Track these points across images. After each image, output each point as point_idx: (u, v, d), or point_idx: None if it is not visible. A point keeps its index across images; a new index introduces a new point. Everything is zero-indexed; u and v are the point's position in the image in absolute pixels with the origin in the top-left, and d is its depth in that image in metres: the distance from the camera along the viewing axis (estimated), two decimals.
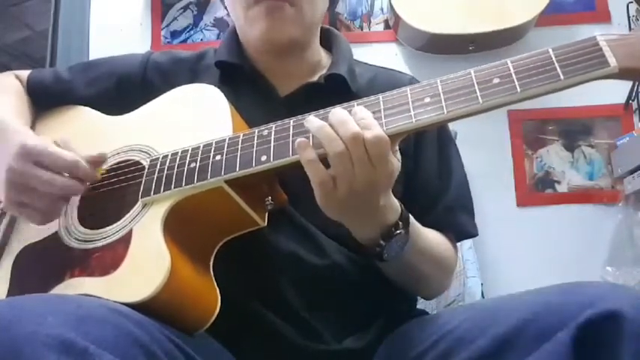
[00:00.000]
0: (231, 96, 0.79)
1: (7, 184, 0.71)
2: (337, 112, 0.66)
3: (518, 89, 0.63)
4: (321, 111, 0.70)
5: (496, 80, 0.64)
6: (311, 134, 0.67)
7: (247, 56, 0.93)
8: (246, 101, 0.84)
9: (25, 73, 0.97)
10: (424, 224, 0.81)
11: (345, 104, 0.69)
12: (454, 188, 0.89)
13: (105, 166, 0.80)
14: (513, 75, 0.63)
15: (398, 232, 0.72)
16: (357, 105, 0.68)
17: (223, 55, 0.93)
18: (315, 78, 0.91)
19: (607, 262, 1.70)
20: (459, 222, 0.89)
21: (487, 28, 1.76)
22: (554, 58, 0.63)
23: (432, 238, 0.83)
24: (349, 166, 0.64)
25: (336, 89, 0.88)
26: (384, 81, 0.94)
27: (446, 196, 0.88)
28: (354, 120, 0.65)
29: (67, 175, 0.73)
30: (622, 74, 0.62)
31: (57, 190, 0.71)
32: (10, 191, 0.72)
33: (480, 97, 0.64)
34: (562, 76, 0.62)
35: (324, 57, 0.96)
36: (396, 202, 0.73)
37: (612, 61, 0.61)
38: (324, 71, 0.91)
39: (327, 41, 0.97)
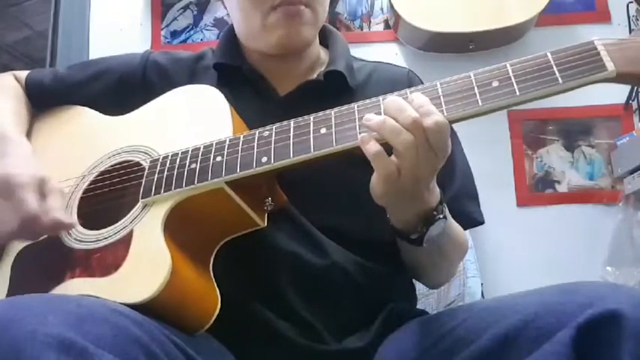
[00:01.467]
0: (230, 97, 0.79)
1: None
2: (394, 101, 0.66)
3: (517, 92, 0.63)
4: (320, 113, 0.70)
5: (495, 83, 0.65)
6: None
7: (245, 57, 0.93)
8: (245, 102, 0.84)
9: (23, 74, 0.97)
10: None
11: (397, 93, 0.69)
12: (459, 178, 0.90)
13: (105, 167, 0.80)
14: (512, 78, 0.64)
15: (440, 216, 0.73)
16: (411, 93, 0.68)
17: (221, 57, 0.93)
18: (314, 75, 0.91)
19: (607, 262, 1.70)
20: (466, 210, 0.89)
21: (487, 27, 1.76)
22: (552, 62, 0.64)
23: (454, 223, 0.83)
24: (414, 153, 0.64)
25: (335, 86, 0.88)
26: (381, 75, 0.95)
27: (451, 186, 0.88)
28: (412, 107, 0.65)
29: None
30: (620, 79, 0.63)
31: (5, 231, 0.70)
32: None
33: (479, 100, 0.64)
34: (560, 80, 0.63)
35: (322, 54, 0.96)
36: (437, 186, 0.73)
37: (610, 66, 0.62)
38: (322, 68, 0.91)
39: (324, 38, 0.97)
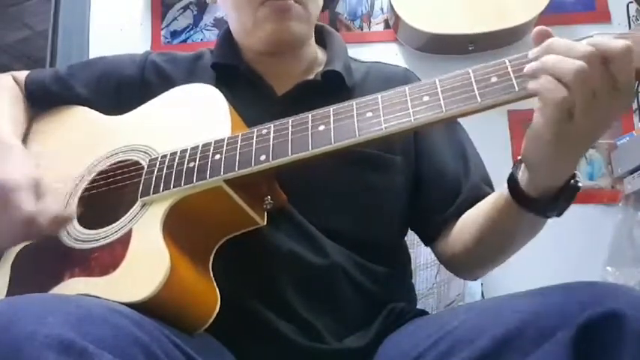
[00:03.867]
0: (229, 96, 0.79)
1: None
2: (559, 41, 0.58)
3: (516, 88, 0.63)
4: (318, 110, 0.70)
5: (494, 79, 0.64)
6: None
7: (243, 57, 0.93)
8: (243, 101, 0.84)
9: (22, 74, 0.97)
10: (457, 207, 0.83)
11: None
12: (474, 166, 0.90)
13: (104, 166, 0.80)
14: (511, 74, 0.64)
15: (577, 182, 0.67)
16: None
17: (219, 57, 0.93)
18: (312, 75, 0.91)
19: (607, 262, 1.70)
20: (489, 194, 0.86)
21: (487, 29, 1.75)
22: None
23: None
24: (590, 87, 0.56)
25: (333, 86, 0.88)
26: (378, 74, 0.95)
27: (469, 176, 0.88)
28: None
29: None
30: None
31: (5, 235, 0.71)
32: None
33: (478, 96, 0.64)
34: None
35: (319, 54, 0.96)
36: None
37: None
38: (320, 68, 0.92)
39: (321, 38, 0.98)
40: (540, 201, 0.68)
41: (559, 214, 0.69)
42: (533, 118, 0.63)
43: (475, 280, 1.00)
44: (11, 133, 0.85)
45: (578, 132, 0.60)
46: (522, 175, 0.69)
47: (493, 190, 0.89)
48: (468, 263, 0.88)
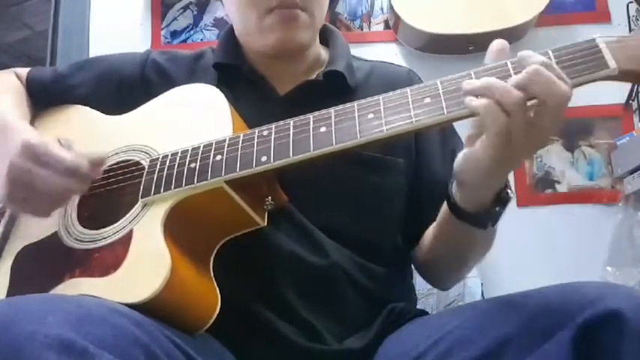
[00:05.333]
0: (230, 96, 0.79)
1: (8, 180, 0.70)
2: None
3: None
4: (320, 111, 0.70)
5: None
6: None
7: (245, 57, 0.93)
8: (245, 101, 0.84)
9: (24, 71, 0.97)
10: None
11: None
12: None
13: (105, 167, 0.80)
14: (513, 76, 0.63)
15: (510, 193, 0.72)
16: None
17: (221, 57, 0.93)
18: (314, 75, 0.91)
19: (607, 262, 1.70)
20: None
21: (487, 28, 1.75)
22: (553, 60, 0.64)
23: None
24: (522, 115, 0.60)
25: (335, 85, 0.88)
26: (381, 74, 0.95)
27: None
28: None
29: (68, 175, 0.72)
30: (622, 76, 0.63)
31: (58, 190, 0.71)
32: (11, 187, 0.71)
33: None
34: None
35: (322, 53, 0.96)
36: None
37: (612, 64, 0.62)
38: (322, 68, 0.91)
39: (324, 37, 0.97)
40: (475, 214, 0.72)
41: (493, 224, 0.73)
42: (466, 142, 0.67)
43: (445, 290, 1.01)
44: (19, 119, 0.84)
45: (514, 154, 0.63)
46: (456, 192, 0.72)
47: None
48: (427, 271, 0.92)
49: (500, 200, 0.71)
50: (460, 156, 0.69)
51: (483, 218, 0.72)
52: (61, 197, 0.72)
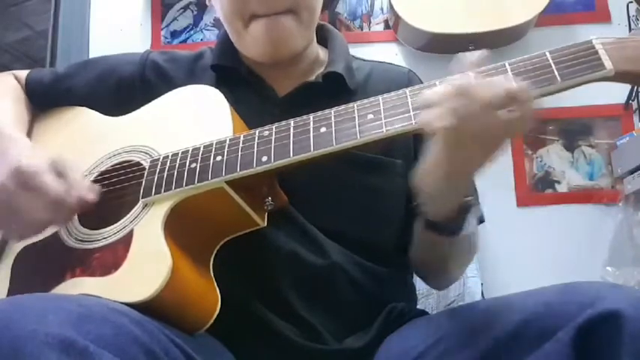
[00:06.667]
0: (230, 97, 0.79)
1: None
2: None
3: None
4: (320, 112, 0.70)
5: None
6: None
7: (242, 59, 0.92)
8: (244, 102, 0.84)
9: (23, 73, 0.97)
10: None
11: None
12: None
13: (105, 167, 0.80)
14: (511, 77, 0.64)
15: (474, 203, 0.73)
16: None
17: (218, 59, 0.92)
18: (313, 77, 0.90)
19: (607, 262, 1.70)
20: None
21: (487, 28, 1.76)
22: (551, 61, 0.64)
23: None
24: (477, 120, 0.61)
25: (334, 87, 0.88)
26: (380, 75, 0.94)
27: None
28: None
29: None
30: (618, 77, 0.63)
31: (41, 221, 0.69)
32: None
33: None
34: (559, 79, 0.63)
35: (320, 53, 0.95)
36: None
37: (608, 65, 0.62)
38: (321, 69, 0.91)
39: (323, 37, 0.97)
40: (439, 223, 0.74)
41: (457, 233, 0.74)
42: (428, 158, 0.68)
43: (441, 290, 1.03)
44: (17, 128, 0.84)
45: (471, 160, 0.65)
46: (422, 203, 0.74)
47: (477, 200, 0.90)
48: (417, 273, 0.93)
49: (463, 209, 0.73)
50: (416, 171, 0.71)
51: (448, 226, 0.74)
52: (42, 227, 0.71)
